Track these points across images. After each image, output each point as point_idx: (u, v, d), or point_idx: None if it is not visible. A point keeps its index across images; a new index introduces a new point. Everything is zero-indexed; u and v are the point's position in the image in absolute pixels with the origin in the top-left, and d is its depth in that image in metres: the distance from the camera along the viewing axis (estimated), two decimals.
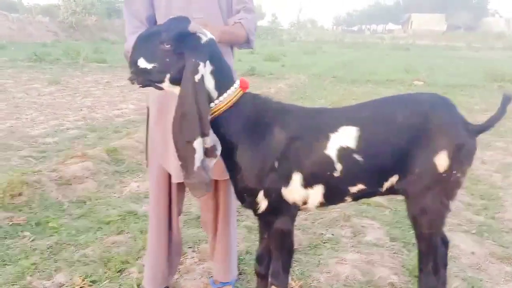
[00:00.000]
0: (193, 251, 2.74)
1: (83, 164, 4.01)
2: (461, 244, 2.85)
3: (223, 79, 1.63)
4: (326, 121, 1.72)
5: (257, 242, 2.82)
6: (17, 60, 13.56)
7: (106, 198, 3.55)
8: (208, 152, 1.55)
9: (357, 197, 1.82)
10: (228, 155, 1.69)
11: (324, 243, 2.86)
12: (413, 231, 1.86)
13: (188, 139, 1.50)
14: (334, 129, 1.67)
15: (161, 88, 1.62)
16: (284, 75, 11.93)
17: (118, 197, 3.60)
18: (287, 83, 10.34)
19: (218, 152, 1.57)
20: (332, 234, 2.99)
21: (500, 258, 2.70)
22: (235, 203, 2.12)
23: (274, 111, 1.71)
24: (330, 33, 40.21)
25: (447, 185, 1.70)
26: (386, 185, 1.75)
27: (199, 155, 1.52)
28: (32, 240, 2.77)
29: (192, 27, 1.53)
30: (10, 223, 2.95)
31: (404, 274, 2.50)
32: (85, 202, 3.44)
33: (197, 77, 1.49)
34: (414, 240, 2.80)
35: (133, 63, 1.58)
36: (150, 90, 1.82)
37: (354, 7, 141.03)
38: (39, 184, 3.47)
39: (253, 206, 1.74)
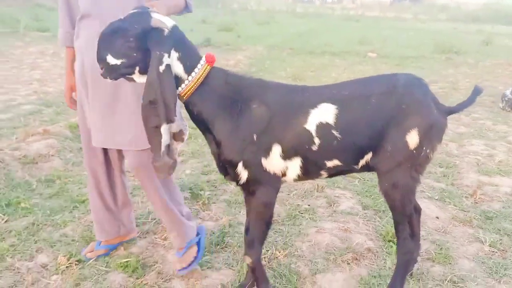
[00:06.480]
0: None
1: (47, 141, 3.85)
2: (426, 209, 3.04)
3: (190, 61, 1.70)
4: (306, 97, 1.80)
5: (238, 216, 2.90)
6: None
7: (76, 177, 3.44)
8: (176, 137, 1.67)
9: (333, 173, 1.93)
10: (207, 131, 1.78)
11: (301, 213, 2.98)
12: (382, 199, 1.96)
13: (155, 125, 1.61)
14: (314, 105, 1.76)
15: (132, 80, 1.70)
16: (241, 47, 11.67)
17: None
18: (245, 55, 10.22)
19: (186, 136, 1.68)
20: (308, 205, 3.10)
21: (462, 221, 2.93)
22: (151, 172, 2.03)
23: (254, 87, 1.79)
24: (281, 2, 39.61)
25: (417, 161, 1.83)
26: (362, 162, 1.86)
27: (165, 140, 1.62)
28: (6, 222, 2.67)
29: (155, 22, 1.59)
30: None
31: (379, 239, 2.67)
32: (54, 181, 3.32)
33: (161, 68, 1.57)
34: (384, 207, 3.00)
35: (101, 60, 1.63)
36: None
37: None
38: (2, 164, 3.30)
39: (235, 177, 1.82)
